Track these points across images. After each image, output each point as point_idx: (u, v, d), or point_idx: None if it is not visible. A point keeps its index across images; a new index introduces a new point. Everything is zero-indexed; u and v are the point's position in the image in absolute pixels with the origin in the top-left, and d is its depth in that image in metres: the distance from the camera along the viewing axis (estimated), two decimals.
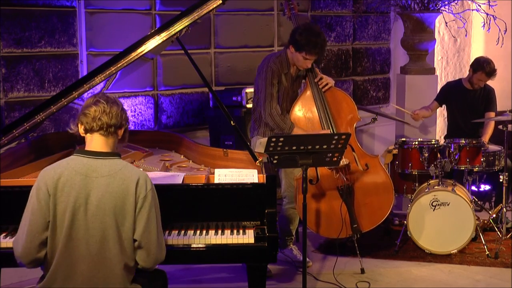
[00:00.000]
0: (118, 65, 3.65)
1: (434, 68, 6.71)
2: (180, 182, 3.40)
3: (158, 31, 3.73)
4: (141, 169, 2.90)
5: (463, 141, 5.18)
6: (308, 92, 4.68)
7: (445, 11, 6.38)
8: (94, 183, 2.70)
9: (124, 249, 2.72)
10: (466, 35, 7.89)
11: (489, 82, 5.87)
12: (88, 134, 2.80)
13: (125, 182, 2.71)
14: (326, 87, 4.68)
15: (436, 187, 5.00)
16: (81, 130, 2.81)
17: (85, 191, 2.69)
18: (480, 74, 5.68)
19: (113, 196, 2.69)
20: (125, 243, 2.72)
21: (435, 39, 6.53)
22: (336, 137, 3.66)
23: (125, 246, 2.72)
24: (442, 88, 6.10)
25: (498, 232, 5.13)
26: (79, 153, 2.77)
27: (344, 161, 4.57)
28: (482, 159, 5.18)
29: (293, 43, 4.52)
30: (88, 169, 2.72)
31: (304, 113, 4.66)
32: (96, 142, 2.78)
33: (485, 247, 4.95)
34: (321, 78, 4.68)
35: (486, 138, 5.57)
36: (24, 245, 2.71)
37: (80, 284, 2.71)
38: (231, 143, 5.39)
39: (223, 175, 3.44)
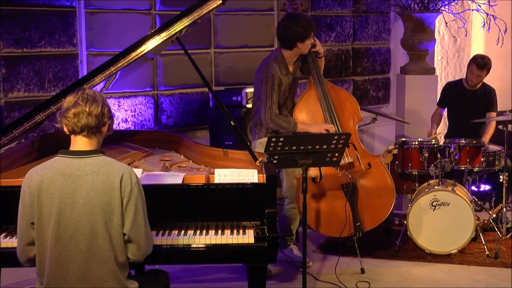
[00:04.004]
0: (118, 65, 3.65)
1: (434, 68, 6.71)
2: (180, 182, 3.39)
3: (158, 31, 3.73)
4: (126, 164, 2.89)
5: (463, 141, 5.17)
6: (313, 91, 4.69)
7: (445, 11, 6.38)
8: (79, 182, 2.71)
9: (114, 244, 2.73)
10: (466, 35, 7.90)
11: (489, 82, 5.87)
12: (72, 135, 2.81)
13: (109, 178, 2.71)
14: (314, 49, 4.70)
15: (436, 187, 5.00)
16: (65, 130, 2.82)
17: (69, 191, 2.70)
18: (472, 66, 5.71)
19: (98, 192, 2.70)
20: (114, 238, 2.72)
21: (435, 39, 6.54)
22: (336, 137, 3.66)
23: (114, 242, 2.73)
24: (443, 90, 6.10)
25: (498, 232, 5.13)
26: (63, 154, 2.79)
27: (348, 159, 4.59)
28: (482, 159, 5.18)
29: (296, 39, 4.53)
30: (71, 168, 2.73)
31: (308, 111, 4.67)
32: (79, 143, 2.79)
33: (485, 247, 4.95)
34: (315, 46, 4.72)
35: (486, 138, 5.56)
36: (17, 245, 2.81)
37: (75, 283, 2.71)
38: (231, 143, 5.39)
39: (223, 175, 3.44)
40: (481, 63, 5.67)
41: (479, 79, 5.74)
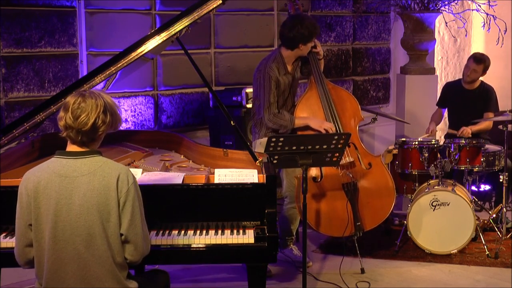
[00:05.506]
0: (118, 65, 3.65)
1: (434, 68, 6.71)
2: (180, 182, 3.39)
3: (158, 31, 3.73)
4: (123, 164, 2.88)
5: (463, 141, 5.18)
6: (314, 91, 4.70)
7: (445, 11, 6.38)
8: (75, 183, 2.70)
9: (111, 245, 2.72)
10: (466, 35, 7.90)
11: (489, 82, 5.86)
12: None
13: (105, 178, 2.71)
14: (315, 49, 4.73)
15: (436, 187, 5.00)
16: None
17: (66, 191, 2.69)
18: (469, 61, 5.77)
19: (95, 193, 2.69)
20: (111, 239, 2.72)
21: (435, 39, 6.54)
22: (336, 137, 3.66)
23: (111, 242, 2.72)
24: (442, 90, 6.10)
25: (498, 232, 5.13)
26: (59, 155, 2.78)
27: (349, 159, 4.59)
28: (482, 159, 5.18)
29: (300, 40, 4.55)
30: (68, 169, 2.72)
31: (309, 111, 4.67)
32: (73, 145, 2.79)
33: (485, 247, 4.94)
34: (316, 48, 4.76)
35: (474, 128, 5.54)
36: (16, 247, 2.81)
37: (74, 284, 2.71)
38: (231, 143, 5.39)
39: (223, 175, 3.44)
40: (478, 57, 5.71)
41: (474, 74, 5.73)
